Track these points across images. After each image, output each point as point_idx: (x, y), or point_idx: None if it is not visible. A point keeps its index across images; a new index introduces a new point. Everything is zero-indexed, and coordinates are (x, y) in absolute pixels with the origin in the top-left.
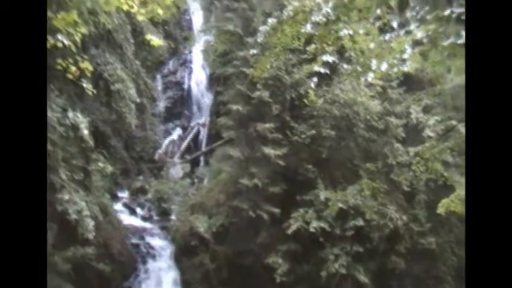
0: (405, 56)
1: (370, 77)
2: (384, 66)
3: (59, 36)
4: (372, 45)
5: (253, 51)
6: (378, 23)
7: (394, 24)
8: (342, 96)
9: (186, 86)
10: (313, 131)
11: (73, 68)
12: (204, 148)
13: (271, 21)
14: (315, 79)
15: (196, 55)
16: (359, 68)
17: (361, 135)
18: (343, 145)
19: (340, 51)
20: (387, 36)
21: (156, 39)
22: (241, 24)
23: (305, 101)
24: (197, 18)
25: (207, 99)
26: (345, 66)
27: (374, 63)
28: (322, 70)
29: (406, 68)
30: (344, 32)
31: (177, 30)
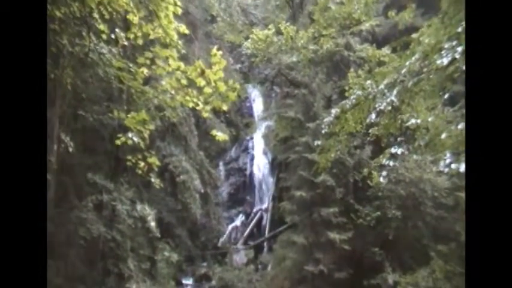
0: None
1: (435, 152)
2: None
3: (130, 134)
4: (435, 120)
5: (317, 142)
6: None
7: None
8: (407, 175)
9: (248, 172)
10: (379, 213)
11: (142, 164)
12: (267, 234)
13: (334, 111)
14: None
15: (258, 141)
16: (422, 144)
17: (429, 213)
18: (410, 225)
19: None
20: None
21: (221, 134)
22: (301, 109)
23: (369, 182)
24: (258, 105)
25: (270, 185)
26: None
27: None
28: (392, 163)
29: None
30: (411, 121)
31: (238, 118)
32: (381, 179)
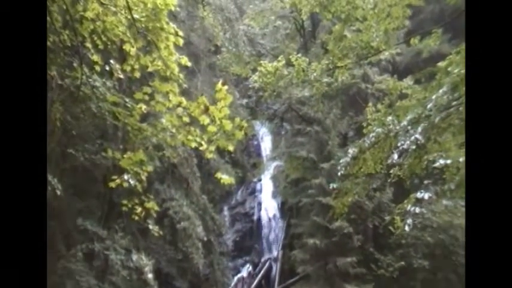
0: None
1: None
2: None
3: (125, 176)
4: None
5: (333, 185)
6: None
7: None
8: (435, 220)
9: (255, 218)
10: (402, 262)
11: (138, 209)
12: (277, 286)
13: (351, 151)
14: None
15: (266, 183)
16: (453, 187)
17: (462, 263)
18: (440, 277)
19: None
20: None
21: (226, 177)
22: (314, 148)
23: (391, 228)
24: (266, 143)
25: (279, 232)
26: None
27: None
28: (418, 209)
29: None
30: (439, 161)
31: (244, 157)
32: (406, 228)
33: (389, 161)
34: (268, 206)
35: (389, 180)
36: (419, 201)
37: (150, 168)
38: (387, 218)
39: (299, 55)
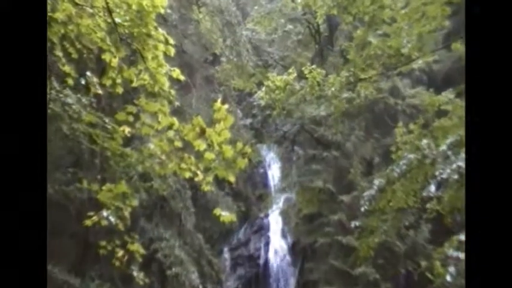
0: None
1: None
2: None
3: (104, 213)
4: None
5: (355, 223)
6: None
7: None
8: None
9: (261, 261)
10: None
11: (120, 252)
12: None
13: (377, 182)
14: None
15: (275, 219)
16: None
17: None
18: None
19: None
20: None
21: (226, 214)
22: (332, 177)
23: (428, 275)
24: (274, 171)
25: (290, 278)
26: None
27: None
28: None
29: None
30: None
31: (248, 189)
32: (448, 277)
33: (424, 194)
34: (278, 247)
35: (425, 217)
36: (463, 244)
37: (134, 202)
38: (423, 263)
39: (314, 66)
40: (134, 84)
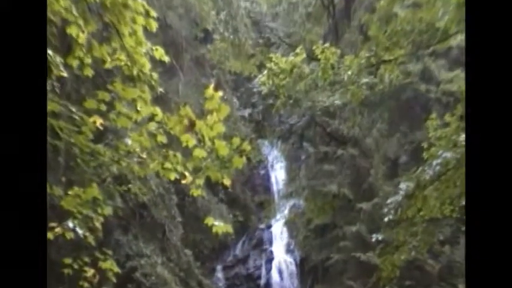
0: None
1: None
2: None
3: (70, 223)
4: None
5: (377, 236)
6: None
7: None
8: None
9: (262, 282)
10: None
11: (89, 271)
12: None
13: (404, 186)
14: None
15: (279, 231)
16: None
17: None
18: None
19: None
20: None
21: (220, 224)
22: (349, 180)
23: None
24: (278, 173)
25: None
26: None
27: None
28: None
29: None
30: None
31: (247, 194)
32: None
33: (463, 201)
34: (282, 265)
35: (463, 229)
36: None
37: (107, 210)
38: (461, 286)
39: (326, 45)
40: (107, 66)
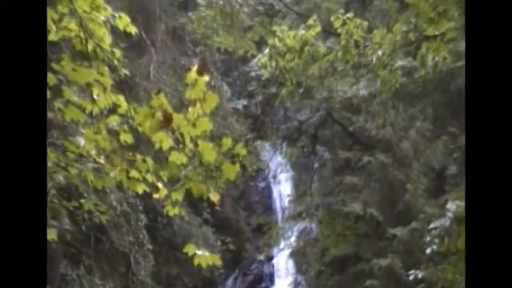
0: None
1: None
2: None
3: None
4: None
5: (416, 272)
6: None
7: None
8: None
9: None
10: None
11: None
12: None
13: (453, 206)
14: None
15: (283, 265)
16: None
17: None
18: None
19: None
20: None
21: (205, 254)
22: (379, 197)
23: None
24: (283, 186)
25: None
26: None
27: None
28: None
29: None
30: None
31: (240, 213)
32: None
33: None
34: None
35: None
36: None
37: (50, 234)
38: None
39: (349, 14)
40: (52, 38)
